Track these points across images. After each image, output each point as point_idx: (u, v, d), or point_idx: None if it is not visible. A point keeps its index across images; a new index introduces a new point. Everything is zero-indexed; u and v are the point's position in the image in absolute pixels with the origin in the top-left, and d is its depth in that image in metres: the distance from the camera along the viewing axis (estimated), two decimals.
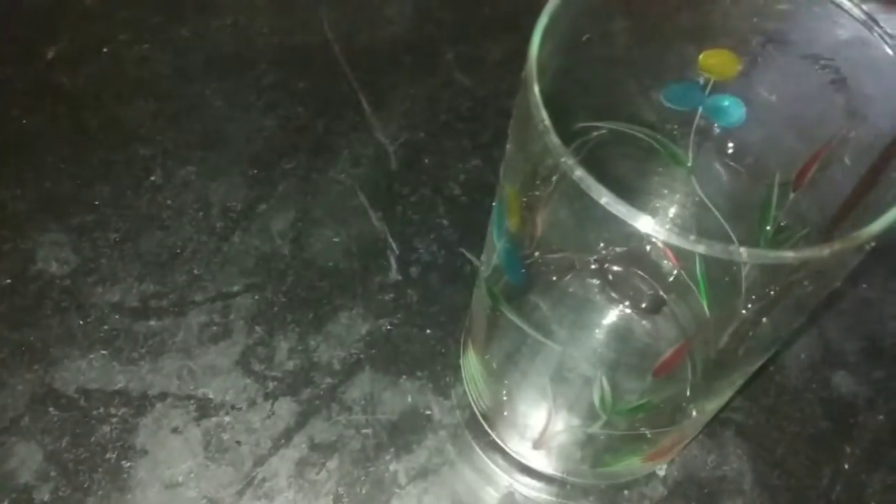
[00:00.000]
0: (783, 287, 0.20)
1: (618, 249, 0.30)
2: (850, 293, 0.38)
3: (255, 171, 0.40)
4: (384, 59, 0.45)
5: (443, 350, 0.36)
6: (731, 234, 0.30)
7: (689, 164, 0.30)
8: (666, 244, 0.19)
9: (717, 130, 0.29)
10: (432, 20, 0.47)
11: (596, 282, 0.31)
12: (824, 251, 0.18)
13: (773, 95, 0.27)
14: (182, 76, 0.43)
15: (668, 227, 0.18)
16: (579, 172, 0.19)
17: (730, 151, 0.29)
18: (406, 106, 0.43)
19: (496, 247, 0.26)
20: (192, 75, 0.43)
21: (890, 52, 0.22)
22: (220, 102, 0.42)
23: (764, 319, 0.22)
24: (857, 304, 0.38)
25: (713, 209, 0.31)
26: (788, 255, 0.18)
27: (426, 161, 0.41)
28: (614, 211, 0.19)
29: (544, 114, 0.20)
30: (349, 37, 0.45)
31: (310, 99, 0.43)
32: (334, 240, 0.38)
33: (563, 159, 0.19)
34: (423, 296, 0.37)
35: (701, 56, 0.27)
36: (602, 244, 0.29)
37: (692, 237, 0.18)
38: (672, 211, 0.32)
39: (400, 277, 0.38)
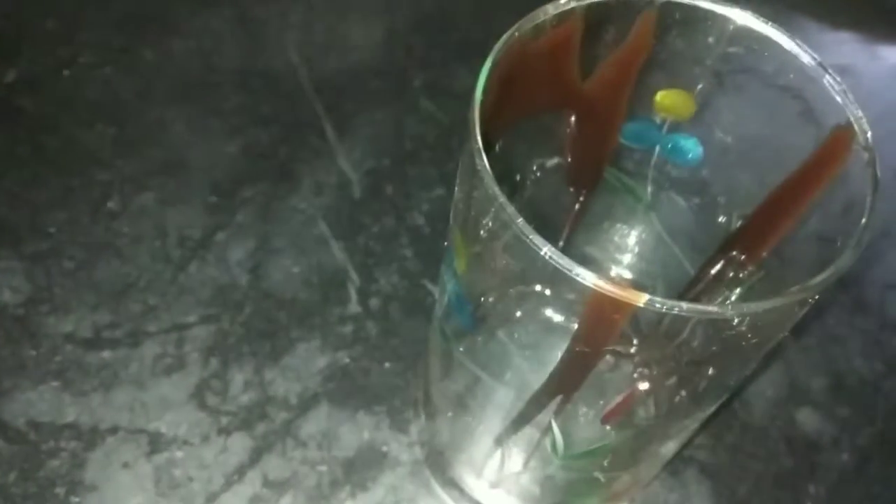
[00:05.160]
0: (724, 338, 0.20)
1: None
2: (816, 329, 0.38)
3: (215, 199, 0.39)
4: (350, 85, 0.44)
5: (402, 384, 0.35)
6: (690, 270, 0.30)
7: (648, 200, 0.30)
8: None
9: (674, 167, 0.28)
10: (401, 46, 0.46)
11: (550, 316, 0.30)
12: (761, 307, 0.17)
13: (729, 135, 0.26)
14: (144, 100, 0.42)
15: (613, 273, 0.18)
16: (520, 221, 0.19)
17: (688, 188, 0.29)
18: (371, 133, 0.42)
19: (447, 288, 0.25)
20: (155, 99, 0.42)
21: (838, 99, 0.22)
22: (181, 127, 0.42)
23: (710, 369, 0.21)
24: (824, 340, 0.38)
25: (672, 245, 0.30)
26: (728, 311, 0.18)
27: (390, 190, 0.40)
28: (555, 264, 0.18)
29: (485, 161, 0.19)
30: (316, 62, 0.45)
31: (273, 125, 0.42)
32: (294, 270, 0.38)
33: (506, 210, 0.18)
34: (383, 328, 0.36)
35: (657, 96, 0.26)
36: (552, 287, 0.28)
37: (629, 290, 0.18)
38: (631, 244, 0.32)
39: (360, 309, 0.37)
